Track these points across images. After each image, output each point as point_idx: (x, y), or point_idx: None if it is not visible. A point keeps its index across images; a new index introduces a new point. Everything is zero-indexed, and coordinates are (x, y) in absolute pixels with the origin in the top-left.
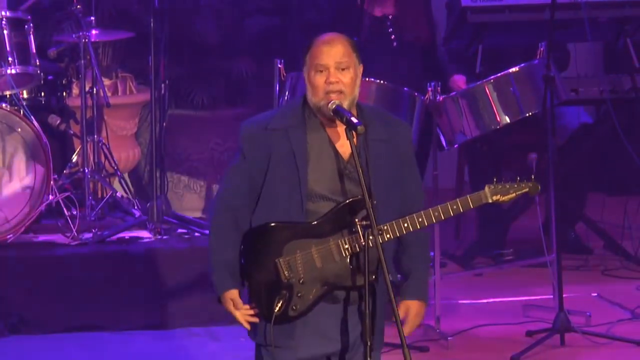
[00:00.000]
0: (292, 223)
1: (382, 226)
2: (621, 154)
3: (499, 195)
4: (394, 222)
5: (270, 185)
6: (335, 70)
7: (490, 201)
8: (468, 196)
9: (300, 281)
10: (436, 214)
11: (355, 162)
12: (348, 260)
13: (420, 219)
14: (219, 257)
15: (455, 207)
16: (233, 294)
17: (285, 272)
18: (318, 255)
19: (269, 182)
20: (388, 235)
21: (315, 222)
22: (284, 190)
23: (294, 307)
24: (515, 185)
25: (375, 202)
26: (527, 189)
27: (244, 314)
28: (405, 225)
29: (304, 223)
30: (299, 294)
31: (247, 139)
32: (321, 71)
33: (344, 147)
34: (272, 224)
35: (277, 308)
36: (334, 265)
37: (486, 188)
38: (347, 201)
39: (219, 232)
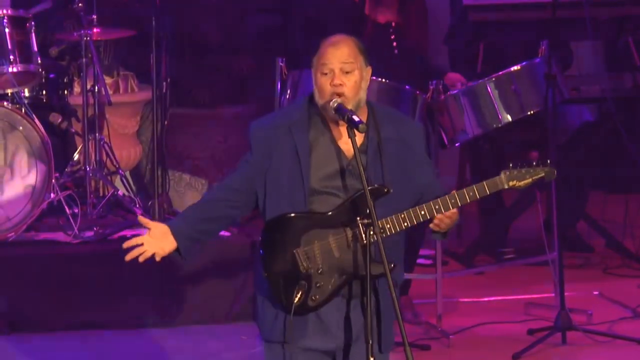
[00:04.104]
0: (309, 213)
1: (384, 221)
2: (622, 152)
3: (515, 181)
4: (410, 210)
5: (274, 179)
6: (339, 72)
7: (506, 187)
8: (484, 182)
9: (319, 271)
10: (453, 200)
11: (357, 160)
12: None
13: (437, 207)
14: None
15: (471, 193)
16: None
17: (304, 263)
18: (336, 245)
19: (272, 177)
20: (395, 229)
21: (331, 212)
22: (287, 184)
23: (314, 298)
24: (532, 170)
25: (392, 190)
26: (542, 174)
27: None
28: (423, 212)
29: (320, 213)
30: (318, 284)
31: (254, 138)
32: (326, 73)
33: (348, 145)
34: (290, 215)
35: (297, 299)
36: (352, 255)
37: (502, 174)
38: (363, 191)
39: (192, 206)
